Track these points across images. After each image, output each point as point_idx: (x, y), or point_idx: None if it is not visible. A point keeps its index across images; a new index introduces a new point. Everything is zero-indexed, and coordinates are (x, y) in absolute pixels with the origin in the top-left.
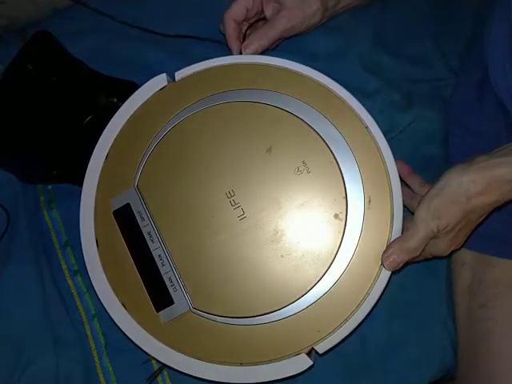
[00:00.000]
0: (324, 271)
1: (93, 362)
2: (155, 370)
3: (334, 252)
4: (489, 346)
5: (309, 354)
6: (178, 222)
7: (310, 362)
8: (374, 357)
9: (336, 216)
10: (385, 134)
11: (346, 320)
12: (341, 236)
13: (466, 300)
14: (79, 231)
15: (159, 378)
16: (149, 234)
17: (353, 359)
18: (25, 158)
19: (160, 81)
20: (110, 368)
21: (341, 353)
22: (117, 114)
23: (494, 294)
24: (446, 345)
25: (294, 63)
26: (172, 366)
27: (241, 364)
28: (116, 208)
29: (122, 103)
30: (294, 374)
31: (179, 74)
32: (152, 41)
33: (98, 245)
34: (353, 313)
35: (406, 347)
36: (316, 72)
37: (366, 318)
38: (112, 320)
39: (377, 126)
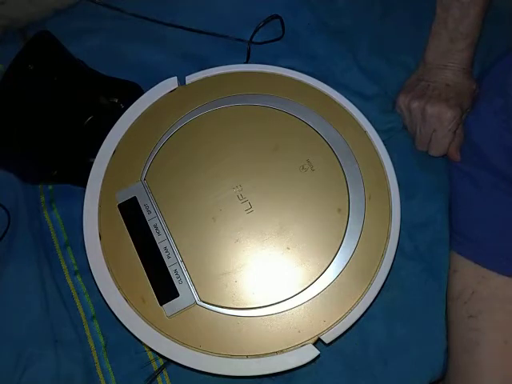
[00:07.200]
0: (328, 262)
1: (93, 362)
2: (155, 370)
3: (338, 244)
4: (473, 357)
5: (315, 344)
6: (185, 214)
7: (317, 352)
8: (375, 357)
9: (339, 210)
10: (384, 133)
11: (351, 309)
12: (344, 229)
13: (456, 307)
14: (80, 231)
15: (159, 379)
16: (155, 226)
17: (354, 359)
18: (25, 159)
19: (171, 83)
20: (110, 368)
21: (342, 353)
22: (126, 112)
23: (485, 307)
24: (446, 346)
25: (299, 73)
26: (176, 360)
27: (247, 356)
28: (121, 201)
29: (123, 104)
30: (302, 364)
31: (190, 78)
32: (151, 41)
33: (100, 239)
34: (357, 302)
35: (407, 348)
36: (319, 82)
37: (370, 306)
38: (114, 315)
39: (374, 130)
